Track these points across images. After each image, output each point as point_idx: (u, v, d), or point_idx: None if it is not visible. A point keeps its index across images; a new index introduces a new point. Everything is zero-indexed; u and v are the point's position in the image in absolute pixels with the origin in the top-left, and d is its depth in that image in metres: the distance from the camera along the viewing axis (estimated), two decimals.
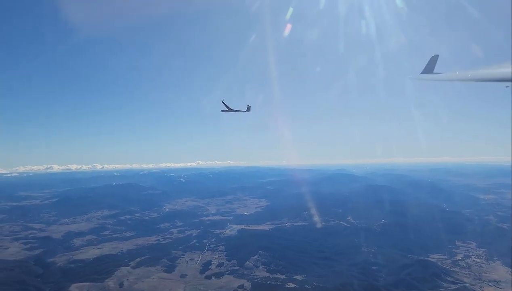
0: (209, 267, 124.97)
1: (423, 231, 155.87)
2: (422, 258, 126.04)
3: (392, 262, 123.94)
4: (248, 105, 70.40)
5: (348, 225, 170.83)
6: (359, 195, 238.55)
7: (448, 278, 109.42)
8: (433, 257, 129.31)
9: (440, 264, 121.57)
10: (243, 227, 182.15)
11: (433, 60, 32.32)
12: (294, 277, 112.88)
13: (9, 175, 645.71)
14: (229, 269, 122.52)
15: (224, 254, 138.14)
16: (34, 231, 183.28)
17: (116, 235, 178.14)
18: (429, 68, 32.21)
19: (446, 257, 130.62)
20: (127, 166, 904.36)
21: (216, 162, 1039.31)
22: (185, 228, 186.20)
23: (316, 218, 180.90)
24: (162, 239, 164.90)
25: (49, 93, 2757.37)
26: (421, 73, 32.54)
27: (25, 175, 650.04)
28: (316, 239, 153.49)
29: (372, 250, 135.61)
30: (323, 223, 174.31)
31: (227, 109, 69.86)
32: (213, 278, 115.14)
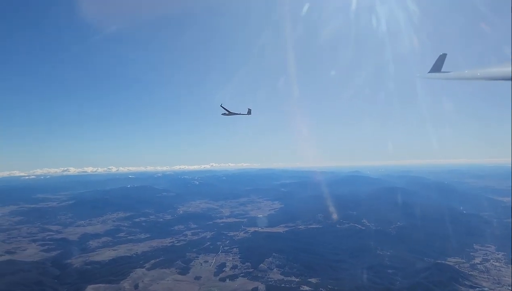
0: (223, 269, 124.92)
1: (440, 234, 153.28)
2: (439, 261, 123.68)
3: (409, 265, 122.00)
4: (248, 109, 70.17)
5: (363, 228, 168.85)
6: (374, 197, 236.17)
7: (466, 282, 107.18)
8: (451, 261, 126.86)
9: (457, 267, 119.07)
10: (257, 229, 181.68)
11: (441, 59, 31.87)
12: (309, 280, 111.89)
13: (27, 177, 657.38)
14: (243, 271, 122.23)
15: (238, 256, 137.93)
16: (51, 233, 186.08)
17: (131, 237, 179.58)
18: (437, 67, 31.78)
19: (464, 260, 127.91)
20: (141, 169, 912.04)
21: (229, 164, 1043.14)
22: (199, 230, 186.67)
23: (331, 221, 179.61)
24: (176, 241, 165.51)
25: (65, 96, 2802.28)
26: (428, 72, 32.12)
27: (42, 177, 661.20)
28: (331, 242, 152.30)
29: (388, 253, 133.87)
30: (337, 226, 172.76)
31: (227, 113, 69.51)
32: (227, 280, 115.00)
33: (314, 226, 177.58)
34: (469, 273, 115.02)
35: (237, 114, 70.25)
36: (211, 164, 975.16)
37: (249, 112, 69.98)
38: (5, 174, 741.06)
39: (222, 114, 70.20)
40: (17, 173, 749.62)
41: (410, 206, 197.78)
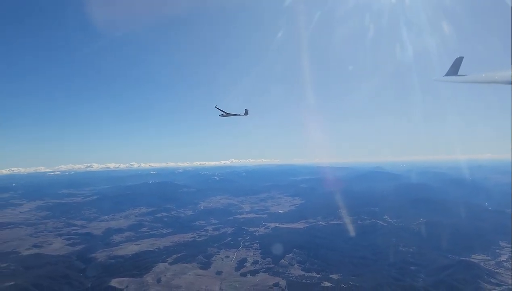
0: (244, 264, 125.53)
1: (465, 230, 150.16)
2: (464, 258, 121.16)
3: (432, 262, 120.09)
4: (246, 109, 71.16)
5: (385, 224, 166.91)
6: (395, 193, 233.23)
7: (492, 280, 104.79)
8: (476, 258, 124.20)
9: (483, 265, 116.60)
10: (277, 225, 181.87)
11: (458, 62, 31.27)
12: (330, 276, 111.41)
13: (52, 173, 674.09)
14: (264, 266, 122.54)
15: (259, 251, 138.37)
16: (76, 227, 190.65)
17: (153, 232, 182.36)
18: (454, 70, 31.21)
19: (489, 258, 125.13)
20: (162, 164, 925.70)
21: (249, 160, 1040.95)
22: (220, 225, 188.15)
23: (351, 217, 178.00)
24: (197, 236, 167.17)
25: (88, 95, 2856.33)
26: (444, 75, 31.63)
27: (66, 173, 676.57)
28: (352, 238, 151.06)
29: (411, 249, 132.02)
30: (358, 222, 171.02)
31: (224, 114, 70.71)
32: (248, 275, 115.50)
33: (335, 222, 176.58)
34: (495, 270, 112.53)
35: (234, 115, 71.42)
36: (231, 159, 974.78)
37: (246, 112, 71.02)
38: (31, 170, 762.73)
39: (219, 115, 71.49)
40: (42, 169, 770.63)
41: (433, 202, 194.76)
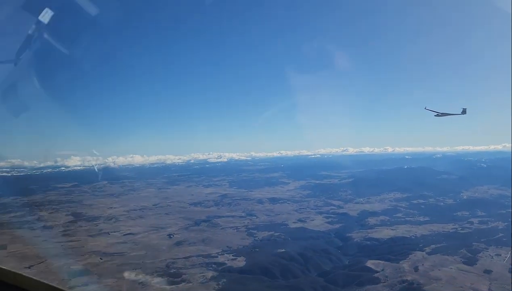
0: None
1: None
2: None
3: None
4: (463, 108, 68.55)
5: None
6: None
7: None
8: None
9: None
10: None
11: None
12: None
13: (313, 156, 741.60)
14: None
15: None
16: (333, 207, 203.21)
17: (409, 218, 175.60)
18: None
19: None
20: (418, 149, 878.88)
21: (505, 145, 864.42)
22: (487, 218, 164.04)
23: None
24: (459, 228, 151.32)
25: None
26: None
27: (325, 156, 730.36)
28: None
29: None
30: None
31: (439, 114, 70.93)
32: None
33: None
34: None
35: (450, 114, 71.10)
36: (503, 144, 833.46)
37: (463, 111, 68.31)
38: (295, 152, 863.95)
39: (434, 116, 71.95)
40: (305, 152, 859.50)
41: None
